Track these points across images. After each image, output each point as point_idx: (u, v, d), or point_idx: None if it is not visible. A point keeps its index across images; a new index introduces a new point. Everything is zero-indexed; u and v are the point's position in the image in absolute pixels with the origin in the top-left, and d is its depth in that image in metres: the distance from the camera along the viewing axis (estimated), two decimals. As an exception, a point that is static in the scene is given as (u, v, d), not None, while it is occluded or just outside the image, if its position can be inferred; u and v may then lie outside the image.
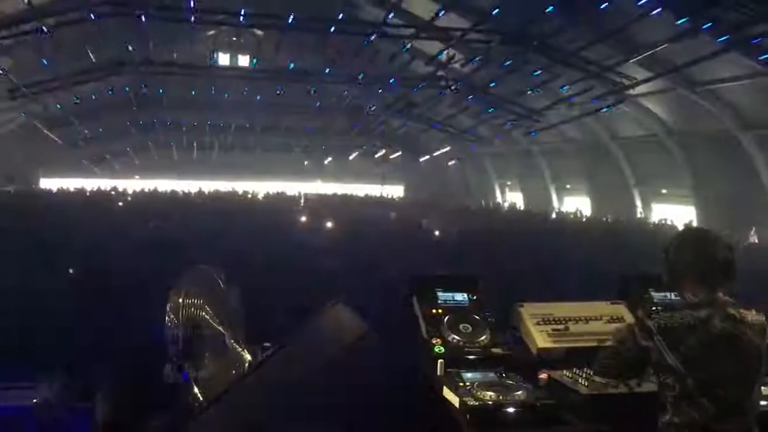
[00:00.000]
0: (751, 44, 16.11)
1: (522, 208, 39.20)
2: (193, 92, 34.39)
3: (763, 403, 2.75)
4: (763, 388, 2.78)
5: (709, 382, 2.54)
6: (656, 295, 3.79)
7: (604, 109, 23.87)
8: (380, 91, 30.38)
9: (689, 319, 2.59)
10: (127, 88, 33.32)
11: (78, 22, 20.85)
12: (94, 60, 25.34)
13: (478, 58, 23.65)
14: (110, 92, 31.49)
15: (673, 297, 3.68)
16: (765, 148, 21.83)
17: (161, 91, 34.25)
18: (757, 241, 21.43)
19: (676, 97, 23.10)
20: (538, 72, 23.11)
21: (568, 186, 36.47)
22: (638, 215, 29.54)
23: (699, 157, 25.23)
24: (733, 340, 2.58)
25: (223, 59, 32.33)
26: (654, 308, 3.63)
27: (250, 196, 41.08)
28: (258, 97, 34.93)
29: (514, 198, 42.57)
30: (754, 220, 22.12)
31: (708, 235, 2.77)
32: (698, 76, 20.72)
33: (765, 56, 16.40)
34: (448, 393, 2.99)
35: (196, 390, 2.56)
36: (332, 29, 23.03)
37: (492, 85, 26.02)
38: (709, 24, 15.88)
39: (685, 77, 20.93)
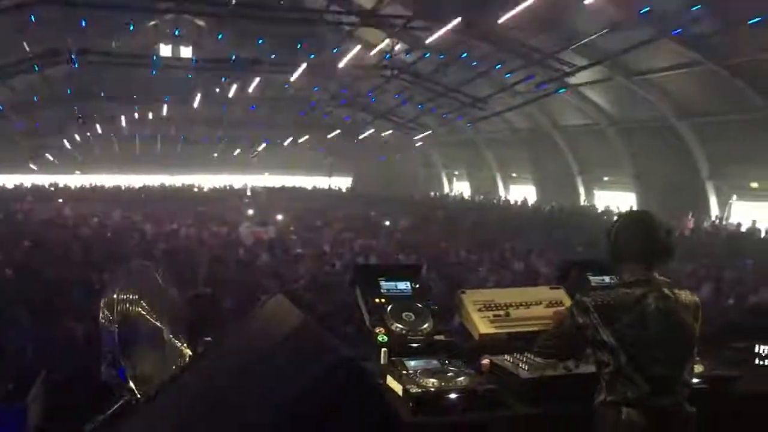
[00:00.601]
0: (681, 31, 16.44)
1: (468, 197, 39.48)
2: (133, 85, 33.44)
3: (694, 380, 2.83)
4: (695, 366, 2.87)
5: (643, 359, 2.60)
6: (594, 279, 3.85)
7: (547, 96, 24.20)
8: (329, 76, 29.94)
9: (625, 297, 2.65)
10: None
11: (8, 10, 20.01)
12: (28, 50, 24.40)
13: (409, 49, 23.76)
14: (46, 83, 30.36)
15: (609, 280, 3.77)
16: (701, 135, 22.50)
17: (102, 92, 33.29)
18: (692, 226, 22.08)
19: (616, 87, 23.53)
20: (475, 63, 23.26)
21: (513, 174, 36.86)
22: (582, 203, 30.09)
23: (639, 145, 25.85)
24: (666, 319, 2.64)
25: (165, 50, 31.45)
26: (592, 290, 3.69)
27: (196, 189, 40.46)
28: (201, 90, 34.21)
29: (461, 187, 42.85)
30: (691, 205, 22.78)
31: (649, 217, 2.84)
32: (635, 65, 21.14)
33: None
34: (391, 381, 3.00)
35: (132, 386, 2.49)
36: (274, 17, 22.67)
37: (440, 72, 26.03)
38: (644, 11, 16.19)
39: (623, 66, 21.33)
